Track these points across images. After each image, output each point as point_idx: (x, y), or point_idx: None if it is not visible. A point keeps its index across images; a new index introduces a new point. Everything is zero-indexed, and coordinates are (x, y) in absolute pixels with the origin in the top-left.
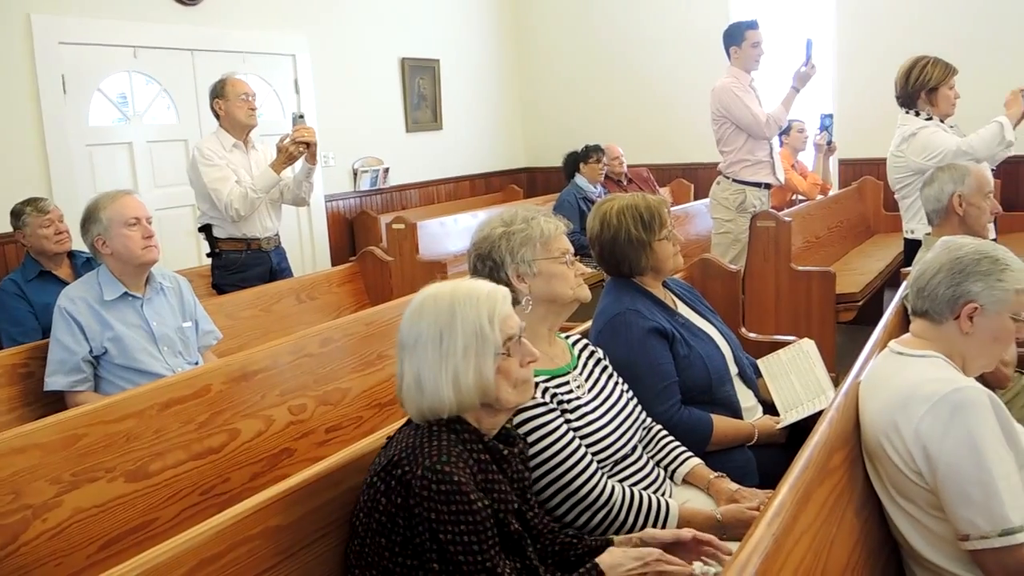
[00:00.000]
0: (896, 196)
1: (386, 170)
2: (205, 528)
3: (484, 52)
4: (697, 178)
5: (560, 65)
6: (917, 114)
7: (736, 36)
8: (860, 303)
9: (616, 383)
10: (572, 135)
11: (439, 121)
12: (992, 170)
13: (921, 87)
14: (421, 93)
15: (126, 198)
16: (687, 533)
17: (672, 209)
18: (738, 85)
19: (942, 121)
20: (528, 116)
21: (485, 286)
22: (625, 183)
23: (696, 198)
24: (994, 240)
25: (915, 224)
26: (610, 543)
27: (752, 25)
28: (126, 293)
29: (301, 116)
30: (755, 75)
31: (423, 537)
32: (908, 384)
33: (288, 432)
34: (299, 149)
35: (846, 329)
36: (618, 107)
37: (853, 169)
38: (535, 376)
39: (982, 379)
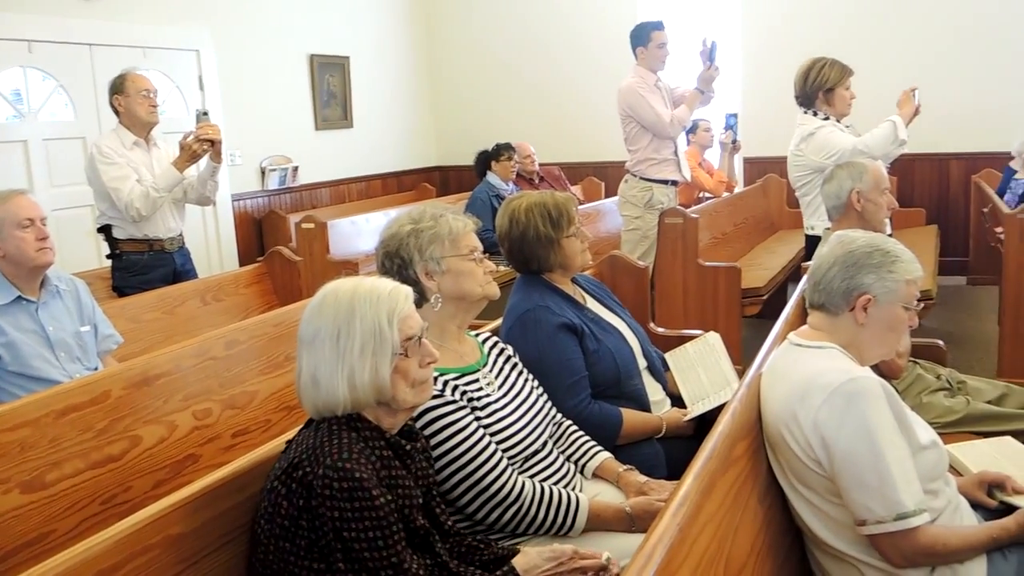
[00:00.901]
0: (796, 194)
1: (295, 169)
2: (101, 538)
3: (395, 50)
4: (608, 176)
5: (472, 64)
6: (815, 114)
7: (642, 36)
8: (765, 297)
9: (526, 380)
10: (484, 134)
11: (349, 119)
12: (887, 167)
13: (819, 88)
14: (331, 91)
15: (19, 198)
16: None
17: (583, 207)
18: (643, 85)
19: (839, 121)
20: (440, 115)
21: (387, 285)
22: (537, 181)
23: (607, 196)
24: (890, 235)
25: (815, 220)
26: (516, 552)
27: (658, 26)
28: (20, 297)
29: (205, 113)
30: (661, 75)
31: (328, 538)
32: (806, 375)
33: (192, 438)
34: (203, 147)
35: (752, 323)
36: (530, 106)
37: (757, 167)
38: (445, 374)
39: (876, 369)
